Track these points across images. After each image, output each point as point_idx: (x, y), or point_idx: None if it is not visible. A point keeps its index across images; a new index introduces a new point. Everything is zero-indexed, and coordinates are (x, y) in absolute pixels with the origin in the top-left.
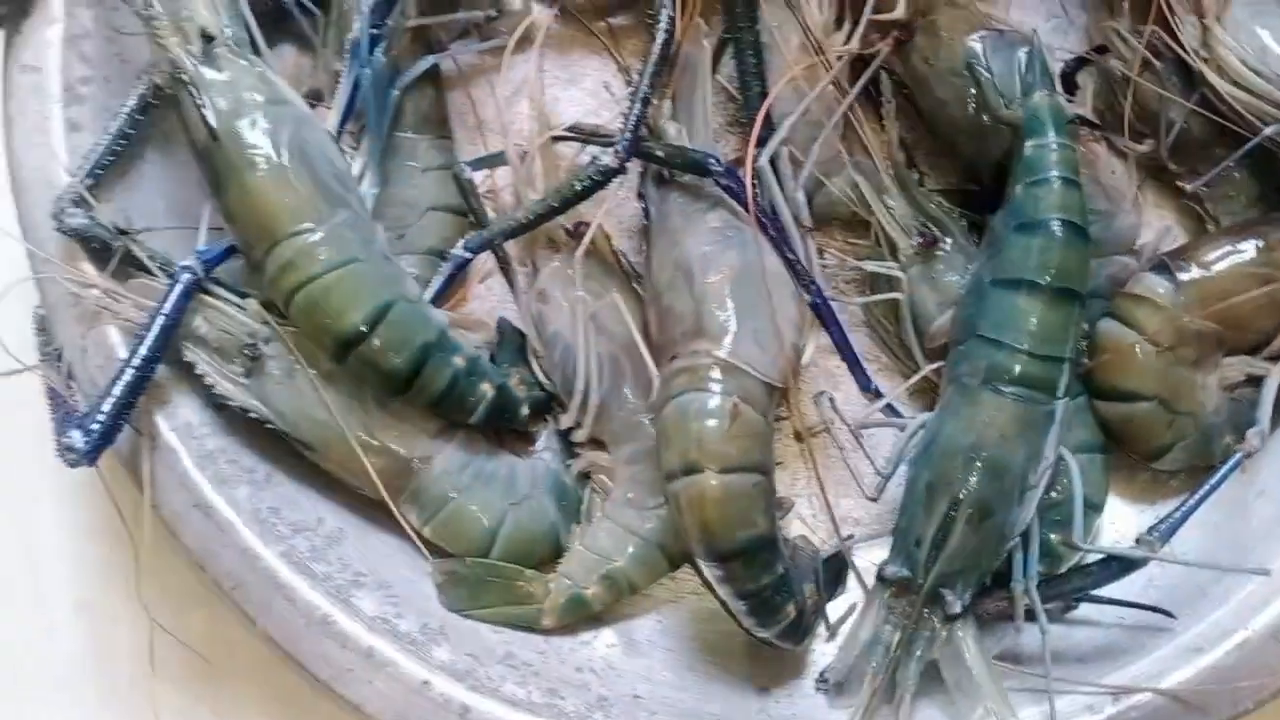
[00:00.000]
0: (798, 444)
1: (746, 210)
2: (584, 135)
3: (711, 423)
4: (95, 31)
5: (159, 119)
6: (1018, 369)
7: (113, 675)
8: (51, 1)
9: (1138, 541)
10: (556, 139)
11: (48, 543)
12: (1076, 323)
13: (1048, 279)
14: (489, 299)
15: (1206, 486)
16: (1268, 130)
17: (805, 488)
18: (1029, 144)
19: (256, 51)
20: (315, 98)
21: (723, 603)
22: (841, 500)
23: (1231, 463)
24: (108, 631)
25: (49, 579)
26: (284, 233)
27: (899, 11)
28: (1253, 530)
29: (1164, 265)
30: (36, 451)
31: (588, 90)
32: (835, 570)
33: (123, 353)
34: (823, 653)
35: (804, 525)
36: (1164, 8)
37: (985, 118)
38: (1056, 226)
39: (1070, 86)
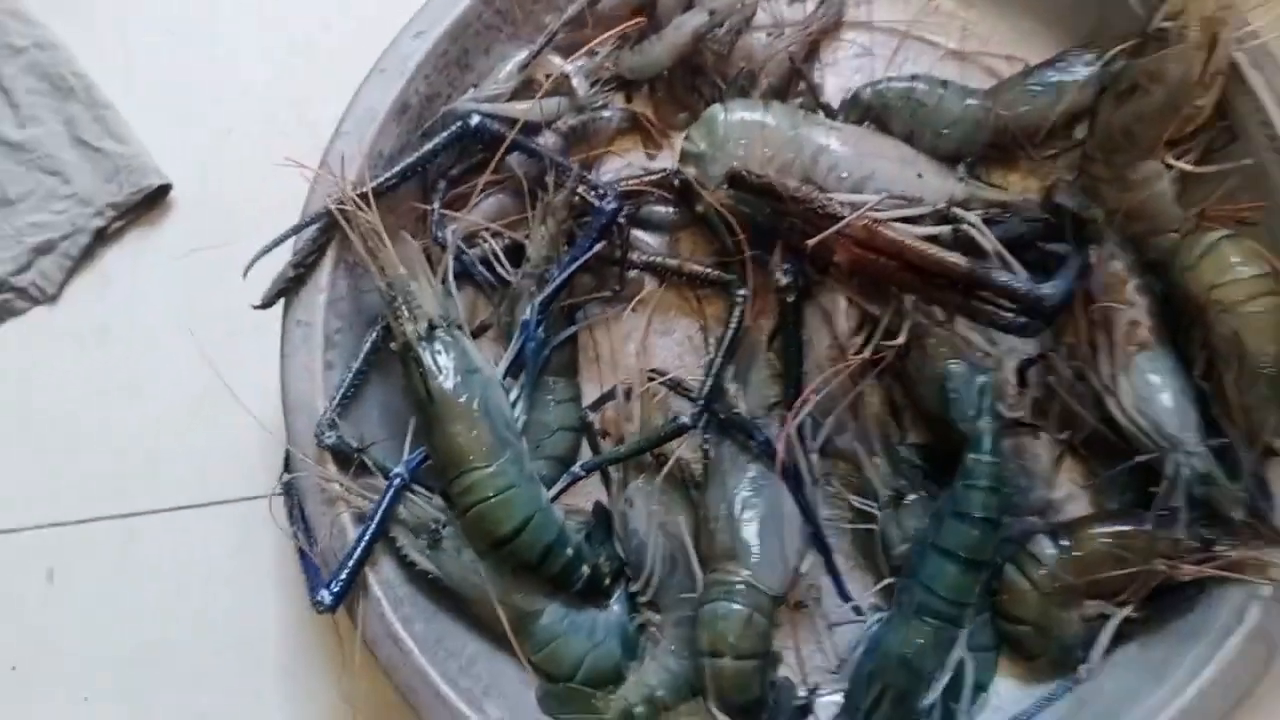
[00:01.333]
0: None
1: (774, 468)
2: (672, 385)
3: (732, 623)
4: (348, 295)
5: (382, 357)
6: (938, 608)
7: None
8: (322, 275)
9: None
10: (653, 380)
11: (284, 660)
12: (983, 581)
13: (964, 554)
14: (591, 488)
15: (1055, 694)
16: (1135, 459)
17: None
18: (970, 455)
19: (462, 321)
20: (483, 329)
21: None
22: (815, 656)
23: (1065, 687)
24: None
25: (289, 684)
26: (468, 466)
27: (901, 338)
28: None
29: (1055, 533)
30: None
31: (677, 340)
32: (804, 710)
33: (353, 533)
34: None
35: (788, 669)
36: (1090, 347)
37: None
38: (978, 520)
39: (1023, 380)
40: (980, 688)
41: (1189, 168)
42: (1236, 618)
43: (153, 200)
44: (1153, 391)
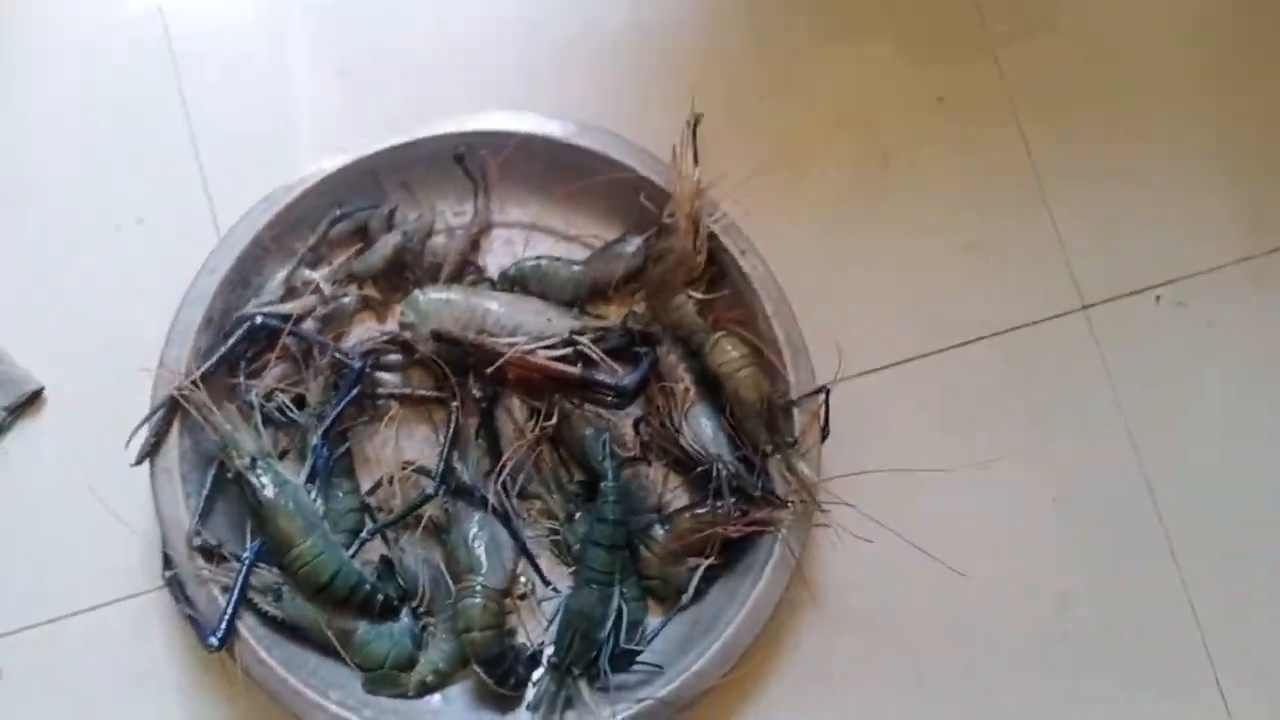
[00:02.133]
0: (518, 603)
1: (487, 512)
2: (418, 470)
3: (475, 611)
4: (191, 447)
5: (221, 483)
6: (597, 578)
7: None
8: (172, 437)
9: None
10: (405, 469)
11: (187, 699)
12: (621, 557)
13: (606, 543)
14: (376, 546)
15: (669, 617)
16: (699, 468)
17: (521, 622)
18: (603, 483)
19: (272, 452)
20: (285, 453)
21: (484, 679)
22: (535, 625)
23: (676, 612)
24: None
25: (186, 688)
26: (292, 545)
27: (554, 419)
28: (693, 633)
29: (662, 521)
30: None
31: (418, 440)
32: (533, 658)
33: (222, 600)
34: (527, 695)
35: (523, 636)
36: (666, 407)
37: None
38: (610, 522)
39: (636, 430)
40: (636, 623)
41: (700, 296)
42: (768, 554)
43: (33, 399)
44: (702, 428)
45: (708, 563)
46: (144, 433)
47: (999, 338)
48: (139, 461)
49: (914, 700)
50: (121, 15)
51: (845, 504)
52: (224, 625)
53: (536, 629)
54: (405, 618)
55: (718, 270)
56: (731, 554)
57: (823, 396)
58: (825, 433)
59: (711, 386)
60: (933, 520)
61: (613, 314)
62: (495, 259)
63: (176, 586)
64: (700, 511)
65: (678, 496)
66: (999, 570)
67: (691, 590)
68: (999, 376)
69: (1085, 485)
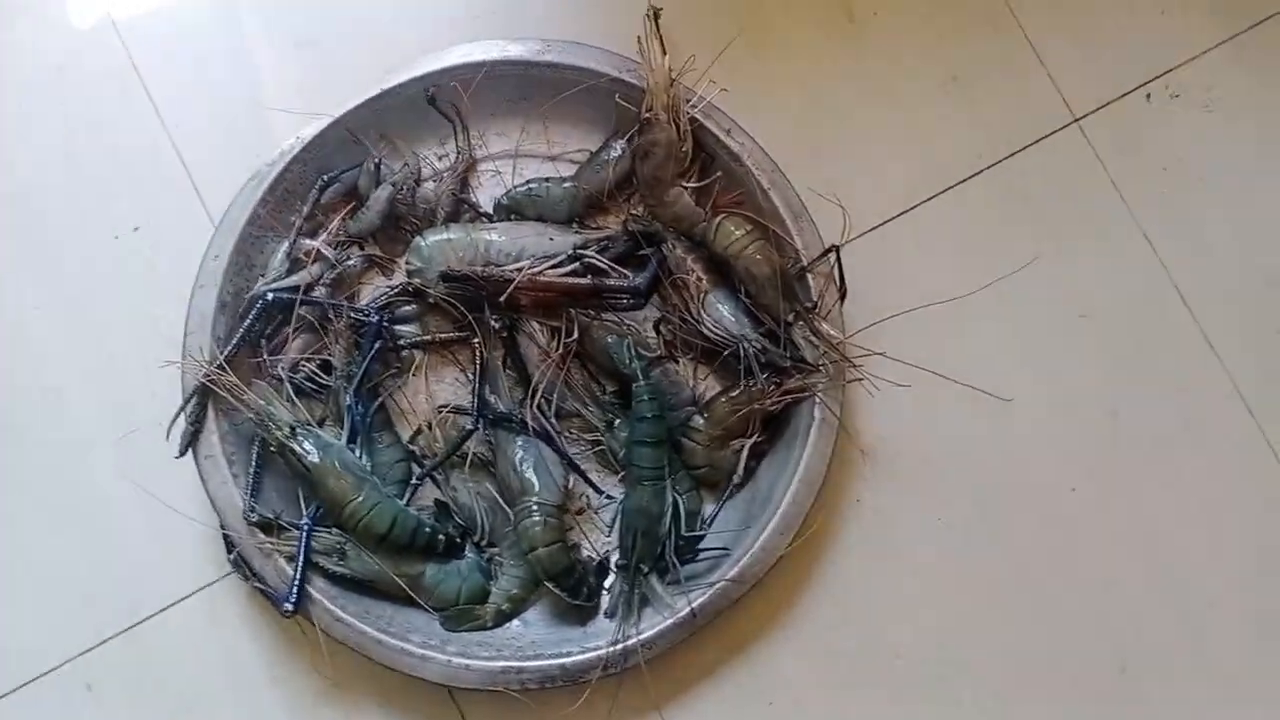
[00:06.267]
0: (577, 517)
1: (529, 435)
2: (454, 410)
3: (537, 530)
4: (229, 429)
5: (266, 458)
6: (647, 475)
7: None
8: (209, 423)
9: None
10: (441, 412)
11: (274, 665)
12: (666, 451)
13: (650, 440)
14: (429, 489)
15: (724, 500)
16: (725, 353)
17: (584, 535)
18: (635, 385)
19: (310, 419)
20: (323, 420)
21: (556, 594)
22: (597, 536)
23: (729, 491)
24: (299, 681)
25: (281, 684)
26: (346, 501)
27: (575, 334)
28: (751, 511)
29: (700, 411)
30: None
31: (448, 382)
32: (601, 566)
33: (289, 569)
34: (602, 603)
35: (588, 549)
36: (682, 301)
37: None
38: (649, 419)
39: (657, 330)
40: (694, 513)
41: (693, 185)
42: (809, 419)
43: None
44: (721, 314)
45: (751, 440)
46: (181, 424)
47: (997, 167)
48: (182, 453)
49: (976, 535)
50: (77, 35)
51: (875, 353)
52: (295, 590)
53: (600, 541)
54: (470, 553)
55: (706, 155)
56: (774, 428)
57: (834, 257)
58: (843, 292)
59: (722, 271)
60: (966, 354)
61: (611, 222)
62: (486, 192)
63: (243, 564)
64: (735, 393)
65: (710, 386)
66: (1041, 392)
67: (741, 469)
68: (1005, 206)
69: (1110, 294)
